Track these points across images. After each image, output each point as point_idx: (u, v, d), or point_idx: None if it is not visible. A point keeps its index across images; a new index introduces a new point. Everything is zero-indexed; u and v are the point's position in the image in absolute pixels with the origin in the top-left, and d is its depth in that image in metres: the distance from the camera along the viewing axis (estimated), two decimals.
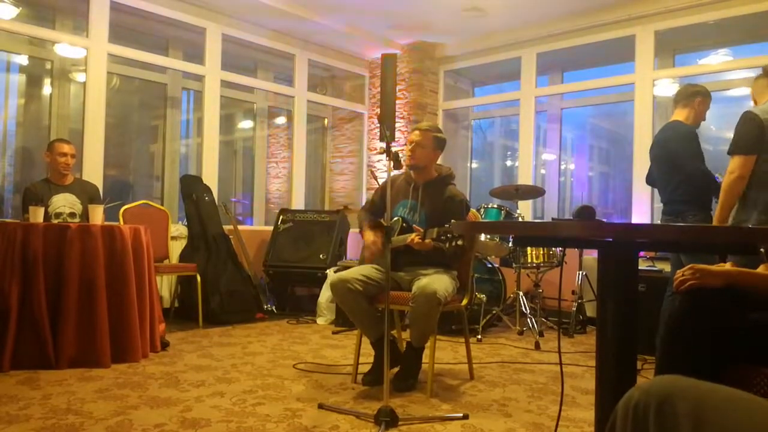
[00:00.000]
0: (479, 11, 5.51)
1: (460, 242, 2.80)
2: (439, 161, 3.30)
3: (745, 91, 5.45)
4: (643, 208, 5.22)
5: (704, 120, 3.64)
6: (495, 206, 4.74)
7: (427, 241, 2.87)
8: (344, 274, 2.99)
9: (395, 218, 3.20)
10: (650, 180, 3.88)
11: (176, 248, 5.13)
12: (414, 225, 3.03)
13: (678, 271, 1.82)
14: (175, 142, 6.01)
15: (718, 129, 5.84)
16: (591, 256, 5.04)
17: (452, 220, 2.88)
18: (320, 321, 5.02)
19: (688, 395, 0.92)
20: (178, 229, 5.25)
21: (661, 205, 3.68)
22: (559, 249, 4.67)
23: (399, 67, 6.26)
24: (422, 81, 6.60)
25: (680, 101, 3.64)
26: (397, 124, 6.34)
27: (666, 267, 4.28)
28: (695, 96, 3.58)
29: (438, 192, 3.17)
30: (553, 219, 1.89)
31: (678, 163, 3.48)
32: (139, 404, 2.58)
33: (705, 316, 1.67)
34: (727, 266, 1.84)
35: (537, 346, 4.16)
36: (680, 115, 3.61)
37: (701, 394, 0.92)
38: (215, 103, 5.72)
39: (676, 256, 3.60)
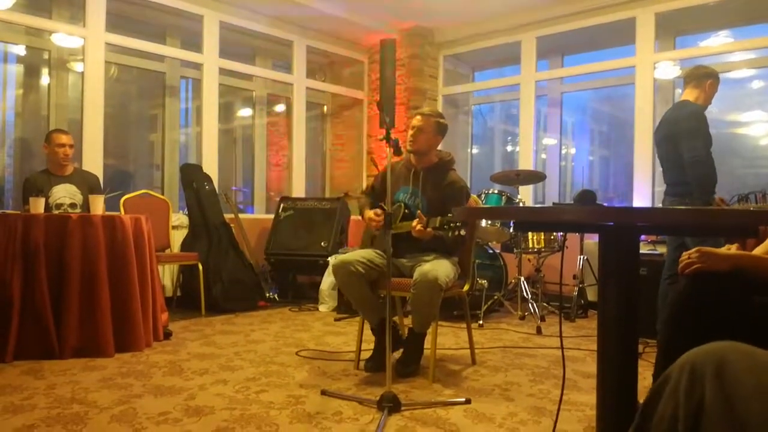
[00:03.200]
0: None
1: (462, 232, 2.80)
2: (439, 147, 3.29)
3: (747, 72, 5.43)
4: (644, 191, 5.21)
5: (710, 104, 3.61)
6: (496, 192, 4.73)
7: (428, 229, 2.86)
8: (347, 256, 2.99)
9: (397, 204, 3.19)
10: None
11: (177, 237, 5.13)
12: (417, 212, 3.02)
13: (684, 253, 1.82)
14: (174, 131, 5.99)
15: (719, 111, 5.81)
16: (592, 240, 5.04)
17: (452, 207, 2.87)
18: (322, 308, 5.04)
19: (745, 354, 0.91)
20: (179, 218, 5.25)
21: (662, 188, 3.67)
22: (560, 234, 4.67)
23: (398, 52, 6.22)
24: (421, 66, 6.56)
25: (691, 82, 3.59)
26: (396, 110, 6.33)
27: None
28: (707, 78, 3.54)
29: (438, 178, 3.16)
30: (554, 204, 1.89)
31: (683, 143, 3.44)
32: (143, 393, 2.59)
33: (709, 299, 1.67)
34: (734, 248, 1.84)
35: (538, 331, 4.17)
36: (690, 95, 3.57)
37: (758, 354, 0.91)
38: (214, 92, 5.69)
39: (671, 239, 3.60)
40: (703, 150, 3.36)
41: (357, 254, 3.01)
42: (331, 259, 5.05)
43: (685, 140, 3.41)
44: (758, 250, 1.84)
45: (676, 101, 3.69)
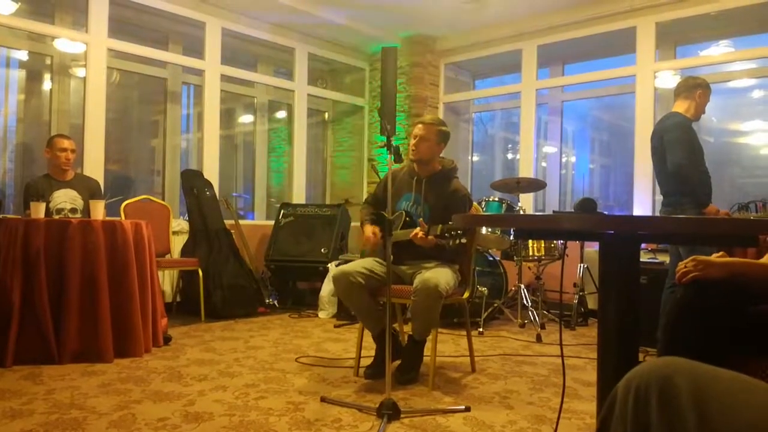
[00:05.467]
0: (479, 3, 5.48)
1: (463, 240, 2.80)
2: (441, 155, 3.29)
3: (747, 82, 5.44)
4: (645, 200, 5.21)
5: (704, 113, 3.66)
6: (496, 199, 4.73)
7: (429, 237, 2.87)
8: (346, 267, 2.99)
9: (398, 212, 3.19)
10: None
11: (178, 243, 5.13)
12: (419, 219, 3.02)
13: (680, 262, 1.82)
14: (175, 137, 6.00)
15: (719, 121, 5.82)
16: (592, 248, 5.04)
17: (455, 216, 2.88)
18: (322, 315, 5.03)
19: (689, 375, 0.91)
20: (180, 223, 5.25)
21: (662, 197, 3.69)
22: (560, 242, 4.67)
23: (399, 60, 6.22)
24: (423, 74, 6.57)
25: (681, 93, 3.66)
26: (397, 118, 6.35)
27: (667, 259, 4.28)
28: (696, 88, 3.60)
29: (441, 186, 3.17)
30: (554, 212, 1.89)
31: (667, 154, 3.49)
32: (142, 399, 2.59)
33: (707, 308, 1.67)
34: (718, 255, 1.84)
35: (538, 339, 4.17)
36: (680, 107, 3.63)
37: (701, 375, 0.91)
38: (215, 98, 5.71)
39: (675, 248, 3.62)
40: (683, 159, 3.39)
41: (357, 264, 3.01)
42: (331, 266, 5.05)
43: (668, 151, 3.47)
44: (766, 259, 1.84)
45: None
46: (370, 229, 3.13)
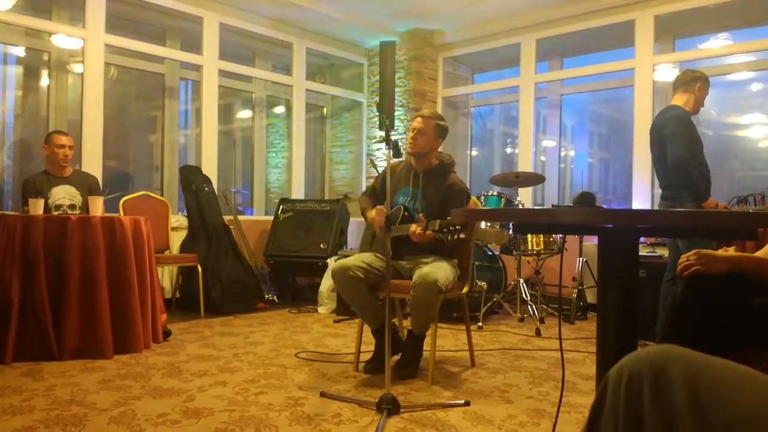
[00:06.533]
0: None
1: (462, 236, 2.80)
2: (439, 149, 3.29)
3: (746, 75, 5.43)
4: (644, 194, 5.21)
5: (703, 106, 3.66)
6: (495, 194, 4.73)
7: (428, 232, 2.87)
8: (346, 261, 2.99)
9: (396, 206, 3.19)
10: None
11: (177, 239, 5.13)
12: (418, 214, 3.02)
13: (683, 255, 1.82)
14: (173, 133, 5.99)
15: (718, 114, 5.82)
16: (591, 242, 5.04)
17: (452, 210, 2.87)
18: (321, 310, 5.04)
19: (682, 364, 0.90)
20: (179, 219, 5.25)
21: (661, 190, 3.69)
22: (559, 236, 4.67)
23: (398, 54, 6.22)
24: (421, 68, 6.56)
25: (680, 87, 3.66)
26: (396, 112, 6.35)
27: (666, 252, 4.28)
28: (695, 81, 3.60)
29: (439, 180, 3.17)
30: (553, 206, 1.89)
31: (667, 147, 3.50)
32: (141, 394, 2.59)
33: (707, 301, 1.67)
34: (731, 250, 1.84)
35: (538, 333, 4.17)
36: (679, 100, 3.63)
37: (695, 363, 0.90)
38: (213, 93, 5.70)
39: (674, 242, 3.62)
40: (684, 153, 3.39)
41: (356, 258, 3.01)
42: (331, 261, 5.05)
43: (668, 144, 3.47)
44: (760, 253, 1.84)
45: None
46: (373, 213, 3.13)
